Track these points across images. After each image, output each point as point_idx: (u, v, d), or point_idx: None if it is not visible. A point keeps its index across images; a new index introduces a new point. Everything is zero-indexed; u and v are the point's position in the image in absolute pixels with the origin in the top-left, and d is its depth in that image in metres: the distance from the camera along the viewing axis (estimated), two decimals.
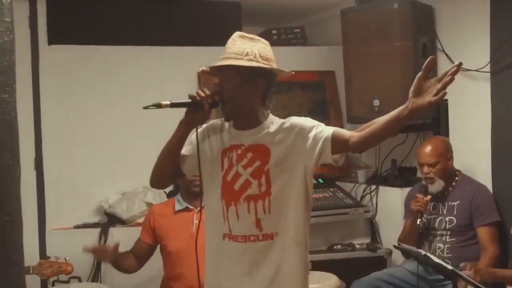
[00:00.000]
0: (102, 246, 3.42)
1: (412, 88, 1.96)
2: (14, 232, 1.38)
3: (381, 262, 3.90)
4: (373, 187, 4.24)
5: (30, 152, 3.90)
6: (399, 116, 2.00)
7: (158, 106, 2.09)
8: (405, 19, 3.85)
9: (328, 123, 2.33)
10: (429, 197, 3.43)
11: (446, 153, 3.52)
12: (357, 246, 4.03)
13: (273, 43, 5.03)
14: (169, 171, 2.28)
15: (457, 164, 3.60)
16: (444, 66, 4.01)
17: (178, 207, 3.18)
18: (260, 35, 5.07)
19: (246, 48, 2.16)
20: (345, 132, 2.14)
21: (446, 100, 4.00)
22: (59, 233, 3.85)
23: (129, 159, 4.12)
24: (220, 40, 4.39)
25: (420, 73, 1.96)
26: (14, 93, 1.43)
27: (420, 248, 3.30)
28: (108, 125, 4.14)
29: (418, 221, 3.41)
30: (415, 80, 1.96)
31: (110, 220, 3.93)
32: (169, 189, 3.90)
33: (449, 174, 3.52)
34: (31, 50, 3.96)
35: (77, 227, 3.91)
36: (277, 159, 2.16)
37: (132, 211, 3.89)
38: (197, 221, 3.08)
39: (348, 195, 4.27)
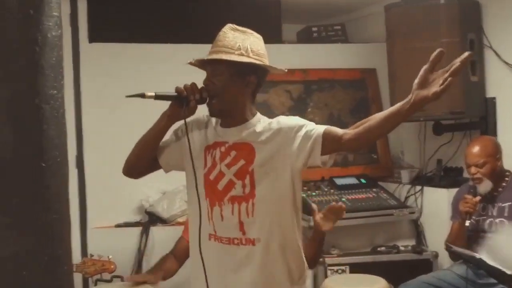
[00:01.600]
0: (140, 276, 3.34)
1: (416, 81, 1.83)
2: (62, 230, 1.35)
3: (427, 265, 3.79)
4: (418, 187, 4.13)
5: (71, 150, 3.90)
6: (400, 110, 1.86)
7: (142, 96, 2.02)
8: (452, 14, 3.75)
9: None
10: (478, 198, 3.31)
11: (494, 153, 3.40)
12: (401, 248, 3.92)
13: (313, 41, 5.02)
14: (144, 162, 2.19)
15: (507, 164, 3.48)
16: (491, 62, 3.90)
17: None
18: (300, 33, 5.08)
19: (237, 42, 2.05)
20: (337, 130, 2.00)
21: (494, 98, 3.88)
22: (100, 231, 3.86)
23: None
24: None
25: (426, 65, 1.83)
26: (62, 89, 1.40)
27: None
28: (148, 123, 4.12)
29: (467, 223, 3.29)
30: (421, 72, 1.83)
31: (151, 219, 3.91)
32: None
33: (498, 174, 3.40)
34: (72, 48, 3.97)
35: (118, 226, 3.91)
36: (262, 159, 2.03)
37: (173, 210, 3.87)
38: None
39: (391, 195, 4.17)
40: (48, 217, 1.28)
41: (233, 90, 2.06)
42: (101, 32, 4.07)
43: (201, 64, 2.13)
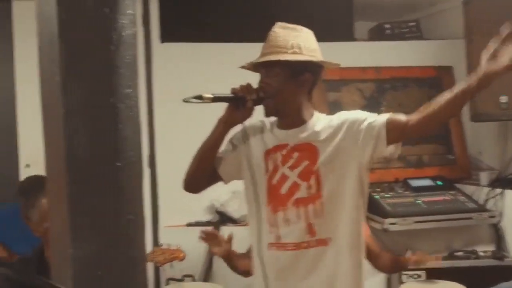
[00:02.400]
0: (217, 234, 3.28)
1: (485, 55, 1.77)
2: (137, 231, 1.35)
3: (508, 272, 3.61)
4: (498, 190, 3.95)
5: (143, 149, 3.96)
6: (468, 88, 1.79)
7: (199, 98, 1.99)
8: None
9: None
10: None
11: None
12: (481, 253, 3.77)
13: (386, 38, 4.90)
14: (205, 174, 2.13)
15: None
16: None
17: None
18: (373, 30, 4.97)
19: (289, 40, 2.01)
20: (400, 117, 1.93)
21: None
22: (172, 230, 3.90)
23: None
24: (331, 36, 4.33)
25: (497, 39, 1.76)
26: (137, 87, 1.40)
27: None
28: None
29: None
30: (488, 47, 1.76)
31: (222, 218, 3.94)
32: None
33: None
34: (144, 48, 4.02)
35: (189, 224, 3.94)
36: (327, 158, 1.98)
37: (243, 210, 3.83)
38: None
39: (470, 198, 4.00)
40: (123, 218, 1.28)
41: (289, 89, 2.02)
42: (172, 32, 4.11)
43: (254, 66, 2.11)
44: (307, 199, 1.99)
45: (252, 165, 2.07)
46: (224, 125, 2.07)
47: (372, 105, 4.30)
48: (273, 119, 2.13)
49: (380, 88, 4.41)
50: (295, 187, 2.00)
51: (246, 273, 3.00)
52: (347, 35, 4.47)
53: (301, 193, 1.99)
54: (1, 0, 3.93)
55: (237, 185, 3.97)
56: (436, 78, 4.53)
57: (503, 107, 3.60)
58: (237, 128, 2.13)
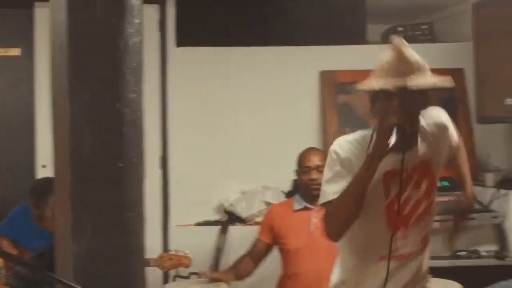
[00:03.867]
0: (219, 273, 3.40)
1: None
2: (137, 227, 1.42)
3: (510, 272, 3.63)
4: (503, 191, 3.97)
5: (156, 151, 4.05)
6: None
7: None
8: None
9: (456, 123, 2.20)
10: None
11: None
12: (483, 253, 3.80)
13: None
14: (356, 219, 1.96)
15: None
16: None
17: (297, 206, 3.19)
18: (385, 33, 4.99)
19: (417, 59, 1.92)
20: (462, 153, 2.25)
21: None
22: (181, 229, 3.96)
23: (249, 159, 4.16)
24: (344, 39, 4.37)
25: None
26: (142, 93, 1.47)
27: None
28: (231, 125, 4.21)
29: None
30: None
31: (230, 218, 3.98)
32: (288, 189, 3.91)
33: None
34: (160, 53, 4.10)
35: (198, 224, 3.99)
36: (437, 168, 2.06)
37: (252, 210, 3.92)
38: (316, 220, 3.07)
39: (474, 199, 4.03)
40: (124, 215, 1.35)
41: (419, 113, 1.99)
42: (188, 36, 4.16)
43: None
44: (424, 213, 2.07)
45: (370, 187, 1.96)
46: (379, 158, 1.90)
47: None
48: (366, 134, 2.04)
49: None
50: (418, 205, 2.03)
51: (242, 276, 3.15)
52: (360, 38, 4.49)
53: (422, 209, 2.04)
54: (24, 6, 4.04)
55: (246, 185, 4.08)
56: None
57: (509, 109, 3.63)
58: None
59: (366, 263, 2.06)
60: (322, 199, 2.05)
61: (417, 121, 1.97)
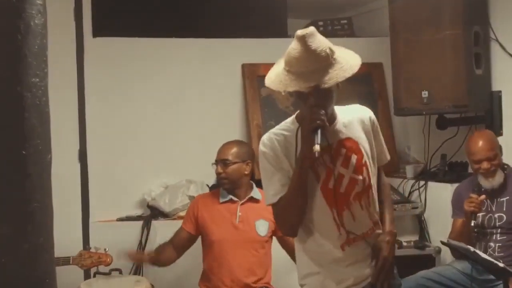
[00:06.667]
0: (139, 252, 3.42)
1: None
2: (44, 219, 1.35)
3: (429, 261, 3.75)
4: (422, 182, 4.09)
5: (74, 144, 3.92)
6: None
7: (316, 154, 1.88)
8: (456, 6, 3.69)
9: (376, 116, 2.24)
10: (483, 196, 3.18)
11: (498, 144, 3.32)
12: (404, 243, 3.88)
13: None
14: (304, 213, 2.07)
15: (508, 158, 3.41)
16: (497, 56, 3.84)
17: (222, 198, 3.15)
18: (306, 27, 5.03)
19: (324, 48, 1.91)
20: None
21: (500, 91, 3.83)
22: (102, 225, 3.86)
23: (172, 152, 4.11)
24: (265, 32, 4.38)
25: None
26: (46, 77, 1.39)
27: None
28: (151, 118, 4.14)
29: (473, 223, 3.16)
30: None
31: (153, 213, 3.90)
32: (212, 182, 3.87)
33: (501, 167, 3.31)
34: (76, 43, 3.97)
35: (120, 219, 3.91)
36: (367, 149, 2.12)
37: (175, 204, 3.86)
38: (240, 213, 3.06)
39: (395, 190, 4.13)
40: (28, 206, 1.27)
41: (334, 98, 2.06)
42: (104, 26, 4.06)
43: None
44: (362, 191, 2.10)
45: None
46: (308, 160, 1.95)
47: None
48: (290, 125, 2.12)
49: None
50: (353, 182, 2.07)
51: (165, 264, 3.13)
52: (281, 32, 4.52)
53: (359, 186, 2.08)
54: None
55: (169, 179, 4.01)
56: (366, 74, 4.62)
57: (424, 102, 3.73)
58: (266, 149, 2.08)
59: (326, 250, 2.11)
60: (266, 202, 2.15)
61: (333, 101, 2.05)
